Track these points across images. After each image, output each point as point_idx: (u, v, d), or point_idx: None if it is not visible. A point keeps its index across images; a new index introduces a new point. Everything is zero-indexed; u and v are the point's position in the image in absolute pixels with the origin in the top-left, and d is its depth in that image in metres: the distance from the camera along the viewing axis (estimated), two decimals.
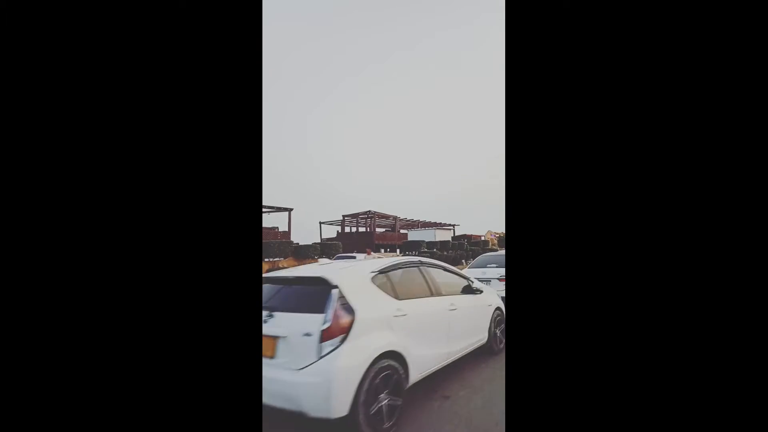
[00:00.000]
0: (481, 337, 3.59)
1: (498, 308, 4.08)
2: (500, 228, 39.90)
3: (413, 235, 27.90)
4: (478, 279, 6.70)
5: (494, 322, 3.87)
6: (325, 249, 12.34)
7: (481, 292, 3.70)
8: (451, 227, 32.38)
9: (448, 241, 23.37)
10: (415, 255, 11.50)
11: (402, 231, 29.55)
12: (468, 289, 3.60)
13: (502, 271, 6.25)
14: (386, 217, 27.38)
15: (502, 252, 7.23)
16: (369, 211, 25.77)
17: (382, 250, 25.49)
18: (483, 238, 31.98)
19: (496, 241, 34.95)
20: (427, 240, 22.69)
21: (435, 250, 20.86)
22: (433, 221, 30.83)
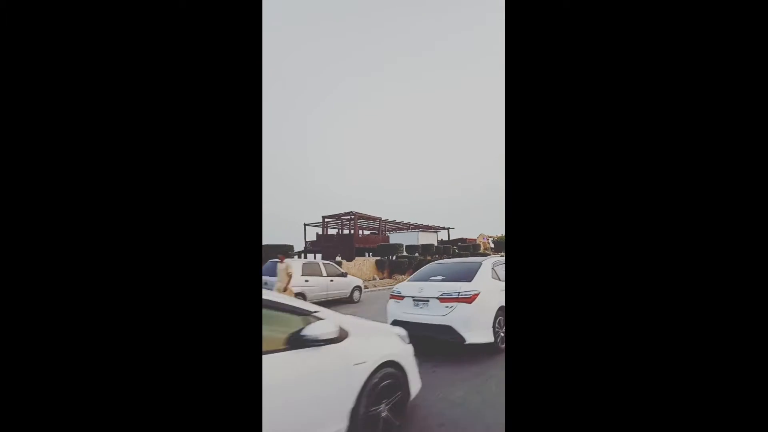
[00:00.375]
0: None
1: (388, 363, 2.28)
2: (495, 231, 38.17)
3: (394, 238, 26.11)
4: (413, 298, 4.80)
5: (368, 396, 2.07)
6: (270, 252, 10.51)
7: (337, 339, 1.93)
8: (439, 230, 30.50)
9: (432, 244, 21.45)
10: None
11: (387, 234, 27.72)
12: (296, 341, 1.82)
13: (448, 287, 4.24)
14: (372, 218, 25.50)
15: (460, 260, 5.29)
16: (351, 211, 23.95)
17: (368, 254, 23.64)
18: (476, 242, 30.16)
19: (489, 245, 33.04)
20: (408, 243, 20.78)
21: (417, 254, 18.97)
22: (426, 224, 28.98)
